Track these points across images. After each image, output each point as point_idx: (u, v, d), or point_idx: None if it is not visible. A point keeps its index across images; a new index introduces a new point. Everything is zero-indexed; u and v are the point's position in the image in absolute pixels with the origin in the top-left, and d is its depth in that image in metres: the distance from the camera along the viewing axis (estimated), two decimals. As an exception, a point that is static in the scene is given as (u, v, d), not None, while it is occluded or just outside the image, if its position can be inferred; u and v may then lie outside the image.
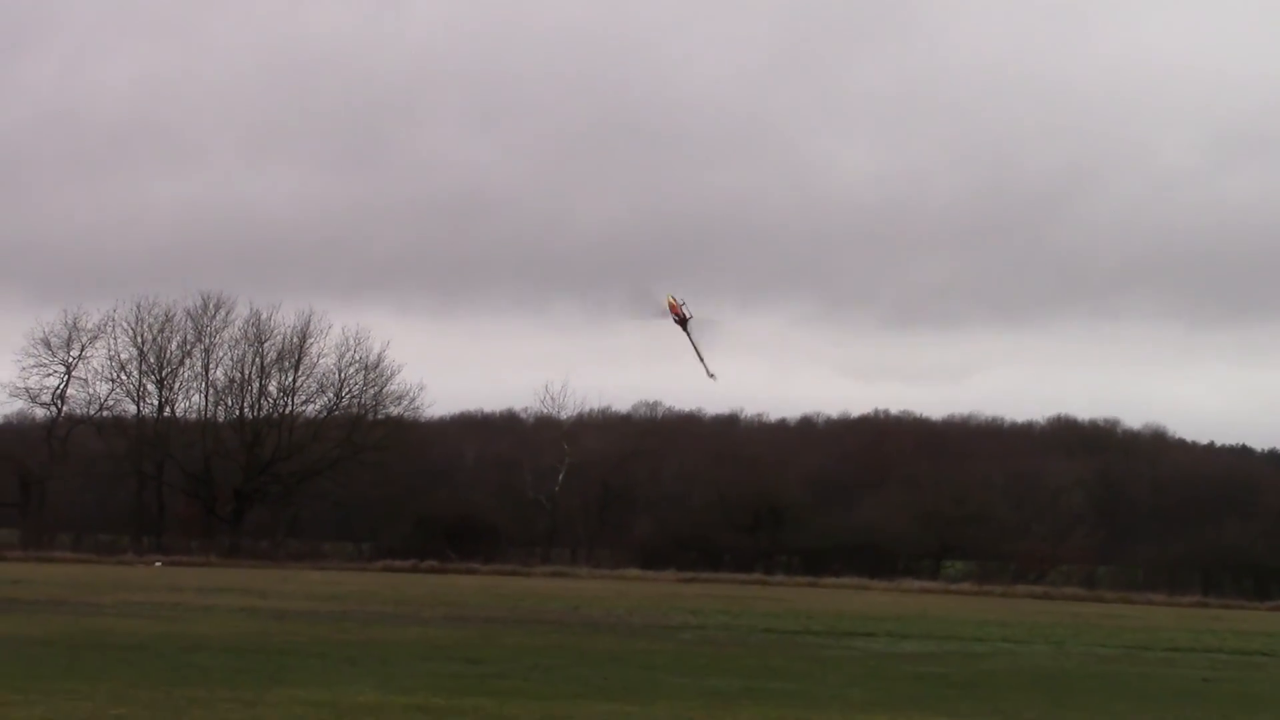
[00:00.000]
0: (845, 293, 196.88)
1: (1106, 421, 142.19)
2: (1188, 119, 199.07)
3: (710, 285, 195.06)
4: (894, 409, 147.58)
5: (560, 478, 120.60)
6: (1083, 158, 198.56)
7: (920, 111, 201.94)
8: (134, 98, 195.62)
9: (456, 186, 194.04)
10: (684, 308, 26.40)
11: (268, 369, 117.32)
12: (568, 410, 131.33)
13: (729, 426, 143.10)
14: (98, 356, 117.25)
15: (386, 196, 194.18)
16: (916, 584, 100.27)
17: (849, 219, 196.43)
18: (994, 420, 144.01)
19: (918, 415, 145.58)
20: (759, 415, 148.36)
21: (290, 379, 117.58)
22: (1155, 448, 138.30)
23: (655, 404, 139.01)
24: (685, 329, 26.23)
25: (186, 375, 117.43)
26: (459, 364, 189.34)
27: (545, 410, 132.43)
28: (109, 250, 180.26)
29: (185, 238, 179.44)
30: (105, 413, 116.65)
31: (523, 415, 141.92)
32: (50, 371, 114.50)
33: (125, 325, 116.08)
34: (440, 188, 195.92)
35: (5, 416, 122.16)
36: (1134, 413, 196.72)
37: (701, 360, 26.59)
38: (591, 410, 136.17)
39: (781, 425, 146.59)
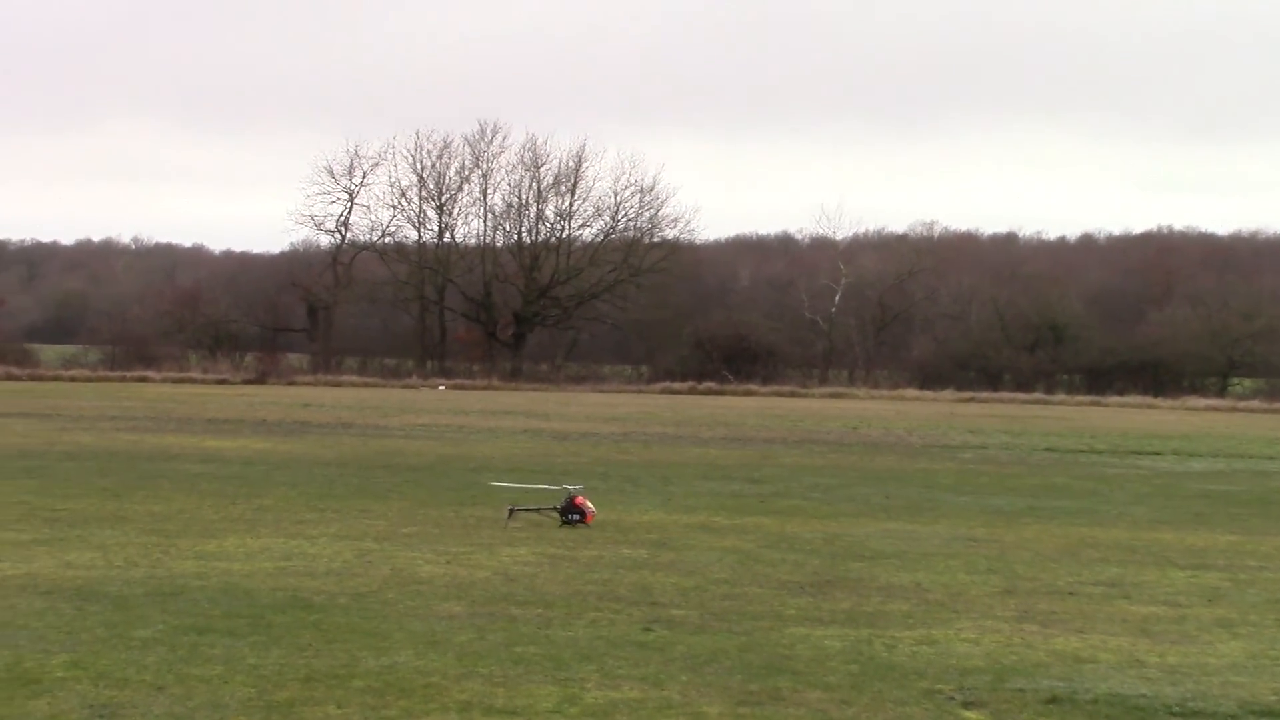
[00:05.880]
0: (1148, 103, 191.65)
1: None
2: None
3: (1009, 97, 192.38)
4: (1178, 225, 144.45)
5: (836, 298, 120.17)
6: None
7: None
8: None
9: (779, 7, 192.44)
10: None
11: (544, 193, 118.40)
12: (843, 231, 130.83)
13: (1007, 245, 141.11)
14: (379, 183, 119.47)
15: (689, 17, 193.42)
16: (1203, 402, 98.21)
17: (1166, 28, 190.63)
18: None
19: (1202, 231, 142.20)
20: (1038, 233, 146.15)
21: (567, 203, 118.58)
22: None
23: (932, 223, 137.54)
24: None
25: (465, 201, 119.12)
26: (736, 187, 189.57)
27: (821, 231, 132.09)
28: (399, 79, 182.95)
29: (497, 66, 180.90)
30: (387, 239, 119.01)
31: (798, 236, 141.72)
32: (334, 199, 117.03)
33: (405, 152, 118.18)
34: (760, 8, 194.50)
35: (292, 244, 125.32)
36: None
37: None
38: (867, 230, 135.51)
39: (1061, 243, 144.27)
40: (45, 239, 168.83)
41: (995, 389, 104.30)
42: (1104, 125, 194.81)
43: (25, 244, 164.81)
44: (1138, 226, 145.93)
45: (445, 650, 14.56)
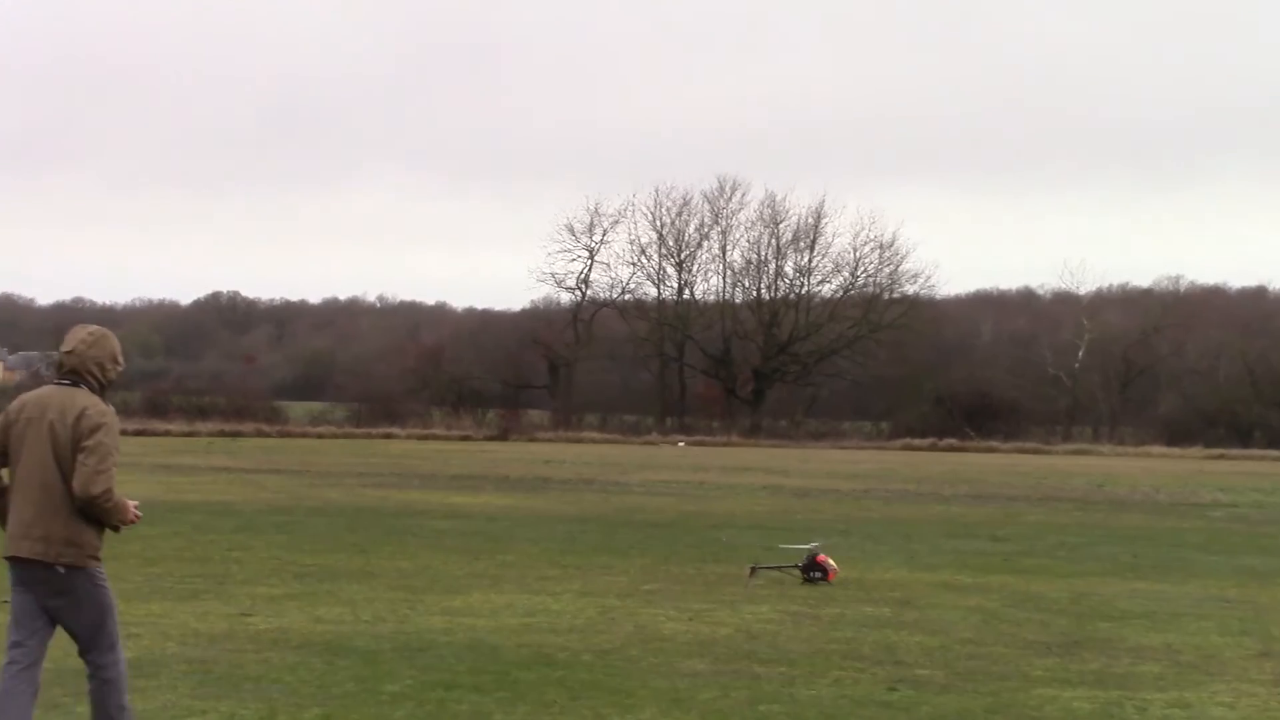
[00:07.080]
0: None
1: None
2: None
3: (1256, 149, 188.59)
4: None
5: (1080, 354, 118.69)
6: None
7: None
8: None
9: (1026, 60, 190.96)
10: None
11: (783, 250, 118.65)
12: (1087, 286, 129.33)
13: (1257, 299, 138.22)
14: (619, 241, 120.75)
15: (926, 73, 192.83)
16: None
17: None
18: None
19: None
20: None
21: (806, 259, 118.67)
22: None
23: (1178, 278, 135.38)
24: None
25: (704, 257, 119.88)
26: (977, 241, 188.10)
27: (1063, 286, 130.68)
28: (638, 137, 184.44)
29: (736, 123, 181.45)
30: (627, 296, 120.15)
31: (1039, 291, 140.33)
32: (574, 257, 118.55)
33: (645, 210, 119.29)
34: (1007, 62, 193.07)
35: (533, 301, 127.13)
36: None
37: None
38: (1111, 285, 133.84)
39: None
40: (294, 298, 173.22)
41: (1245, 446, 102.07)
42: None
43: (274, 303, 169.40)
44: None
45: (689, 708, 14.53)
